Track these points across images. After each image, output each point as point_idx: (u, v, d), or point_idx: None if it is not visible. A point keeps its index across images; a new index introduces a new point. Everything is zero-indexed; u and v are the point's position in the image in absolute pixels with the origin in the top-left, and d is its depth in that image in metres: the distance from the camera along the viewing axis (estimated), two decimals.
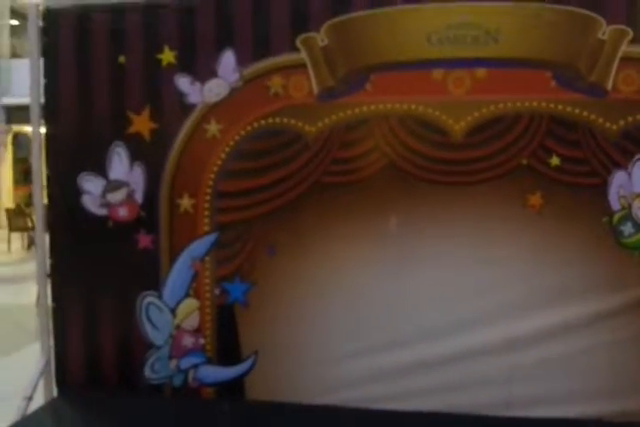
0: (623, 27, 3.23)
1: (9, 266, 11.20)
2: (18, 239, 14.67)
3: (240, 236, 3.59)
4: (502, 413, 3.44)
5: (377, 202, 3.50)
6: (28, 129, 3.69)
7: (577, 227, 3.41)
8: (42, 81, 3.56)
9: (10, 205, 17.21)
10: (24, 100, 3.60)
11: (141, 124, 3.54)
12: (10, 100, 17.17)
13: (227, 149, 3.52)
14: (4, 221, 15.40)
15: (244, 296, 3.62)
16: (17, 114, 16.29)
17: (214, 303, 3.65)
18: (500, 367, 3.47)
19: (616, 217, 3.38)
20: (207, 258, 3.62)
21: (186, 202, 3.57)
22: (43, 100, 3.59)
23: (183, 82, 3.48)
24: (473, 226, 3.47)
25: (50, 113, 3.61)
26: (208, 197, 3.56)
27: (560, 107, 3.34)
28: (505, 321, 3.48)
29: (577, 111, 3.34)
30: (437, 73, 3.37)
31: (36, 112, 3.58)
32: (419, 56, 3.37)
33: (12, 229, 14.86)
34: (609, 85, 3.28)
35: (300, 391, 3.61)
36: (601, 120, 3.33)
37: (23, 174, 18.46)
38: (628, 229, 3.38)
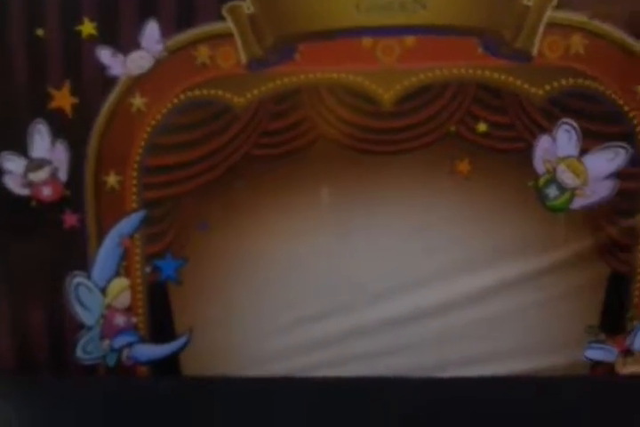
0: None
1: None
2: None
3: (170, 212, 3.40)
4: (439, 373, 3.45)
5: (309, 173, 3.37)
6: None
7: (505, 191, 3.38)
8: None
9: None
10: None
11: (62, 99, 3.27)
12: None
13: (153, 123, 3.30)
14: None
15: (176, 273, 3.46)
16: None
17: (146, 281, 3.47)
18: (436, 329, 3.45)
19: (541, 180, 3.36)
20: (136, 235, 3.42)
21: (112, 179, 3.36)
22: None
23: (104, 54, 3.21)
24: (405, 193, 3.40)
25: None
26: (135, 174, 3.34)
27: (487, 73, 3.26)
28: (439, 285, 3.46)
29: (503, 77, 3.27)
30: (366, 41, 3.22)
31: None
32: (347, 24, 3.20)
33: None
34: (534, 51, 3.21)
35: (238, 364, 3.53)
36: (526, 86, 3.27)
37: None
38: (552, 191, 3.36)
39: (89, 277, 3.40)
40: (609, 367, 3.48)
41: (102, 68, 3.24)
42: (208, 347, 3.52)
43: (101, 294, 3.46)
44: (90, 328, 3.46)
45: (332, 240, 3.42)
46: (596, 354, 3.47)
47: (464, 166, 3.36)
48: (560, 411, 3.27)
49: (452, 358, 3.47)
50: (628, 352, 3.45)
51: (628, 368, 3.47)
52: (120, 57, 3.21)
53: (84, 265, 3.42)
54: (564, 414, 3.25)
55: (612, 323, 3.45)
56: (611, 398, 3.35)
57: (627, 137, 3.31)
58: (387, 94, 3.29)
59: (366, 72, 3.26)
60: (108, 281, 3.40)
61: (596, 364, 3.48)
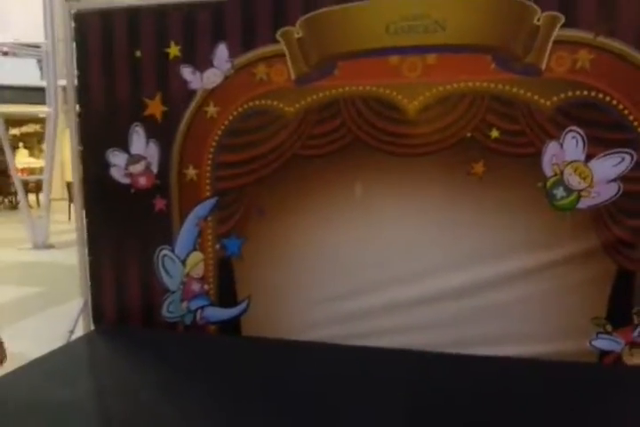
0: (556, 13, 2.40)
1: (70, 233, 9.90)
2: None
3: (235, 200, 2.84)
4: (452, 350, 2.61)
5: (346, 171, 2.70)
6: None
7: (517, 191, 2.55)
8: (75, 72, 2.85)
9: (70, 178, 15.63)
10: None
11: (154, 107, 2.82)
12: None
13: (222, 127, 2.78)
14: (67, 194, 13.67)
15: (238, 250, 2.86)
16: None
17: (216, 256, 2.90)
18: (452, 311, 2.65)
19: (549, 182, 2.53)
20: (209, 218, 2.87)
21: (191, 172, 2.85)
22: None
23: (187, 71, 2.77)
24: (428, 190, 2.64)
25: (82, 98, 2.88)
26: (209, 168, 2.83)
27: (500, 86, 2.52)
28: (454, 273, 2.65)
29: (514, 90, 2.51)
30: (393, 59, 2.58)
31: (71, 97, 2.79)
32: (378, 45, 2.58)
33: (71, 200, 13.27)
34: (543, 66, 2.45)
35: (288, 329, 2.85)
36: (536, 97, 2.49)
37: None
38: (560, 192, 2.52)
39: (173, 251, 2.81)
40: (617, 357, 2.52)
41: (185, 83, 2.78)
42: (263, 312, 2.90)
43: (182, 264, 2.92)
44: (173, 292, 3.00)
45: (363, 228, 2.71)
46: (602, 344, 2.53)
47: (479, 168, 2.58)
48: (566, 394, 2.28)
49: (463, 337, 2.64)
50: (634, 344, 2.50)
51: (636, 359, 2.50)
52: (198, 74, 2.75)
53: (169, 241, 2.95)
54: (569, 397, 2.27)
55: (618, 316, 2.51)
56: (618, 386, 2.37)
57: (632, 143, 2.43)
58: (411, 104, 2.62)
59: (394, 85, 2.61)
60: (187, 254, 2.82)
61: (604, 353, 2.54)
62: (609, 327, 2.49)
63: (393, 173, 2.65)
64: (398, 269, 2.69)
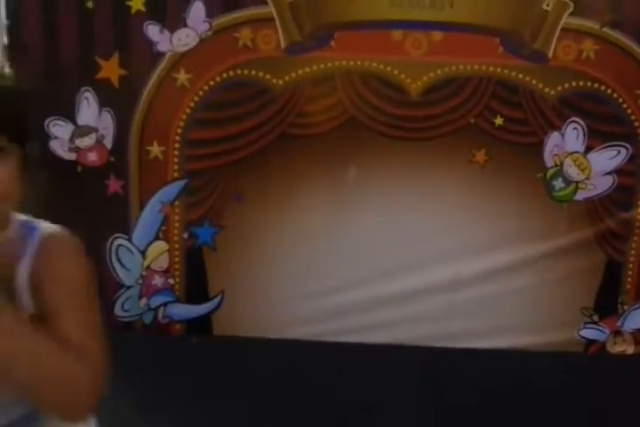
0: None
1: None
2: None
3: (209, 182, 2.13)
4: (445, 344, 2.17)
5: (338, 154, 2.10)
6: None
7: (515, 181, 2.13)
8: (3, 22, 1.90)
9: None
10: None
11: (110, 70, 2.01)
12: None
13: (196, 99, 2.04)
14: None
15: (212, 240, 2.18)
16: None
17: (183, 246, 2.18)
18: (444, 305, 2.19)
19: (549, 173, 2.13)
20: (177, 203, 2.14)
21: (155, 149, 2.08)
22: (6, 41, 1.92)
23: (152, 30, 1.97)
24: (424, 178, 2.14)
25: (15, 56, 1.95)
26: (177, 145, 2.08)
27: (506, 71, 2.05)
28: (448, 264, 2.18)
29: (520, 76, 2.05)
30: (397, 34, 2.01)
31: None
32: (380, 17, 1.99)
33: None
34: (550, 53, 2.02)
35: (266, 327, 2.24)
36: (541, 85, 2.06)
37: None
38: (559, 183, 2.14)
39: (129, 240, 2.00)
40: (601, 346, 2.23)
41: (150, 43, 1.99)
42: (238, 309, 2.25)
43: (141, 255, 2.16)
44: (129, 287, 2.19)
45: (355, 217, 2.16)
46: (589, 333, 2.23)
47: (481, 156, 2.12)
48: (554, 383, 2.00)
49: (456, 331, 2.21)
50: (618, 333, 2.23)
51: (618, 347, 2.23)
52: (167, 33, 1.98)
53: (125, 228, 2.16)
54: (558, 386, 1.99)
55: (605, 306, 2.21)
56: (602, 375, 2.08)
57: (628, 137, 2.09)
58: (414, 85, 2.07)
59: (396, 62, 2.04)
60: (148, 244, 2.02)
61: (589, 342, 2.24)
62: (596, 317, 2.18)
63: (389, 157, 2.09)
64: (388, 260, 2.15)
